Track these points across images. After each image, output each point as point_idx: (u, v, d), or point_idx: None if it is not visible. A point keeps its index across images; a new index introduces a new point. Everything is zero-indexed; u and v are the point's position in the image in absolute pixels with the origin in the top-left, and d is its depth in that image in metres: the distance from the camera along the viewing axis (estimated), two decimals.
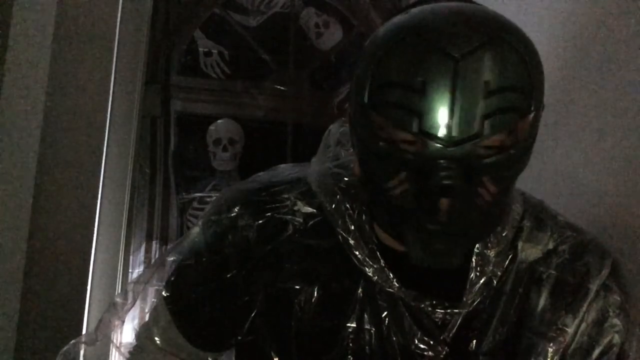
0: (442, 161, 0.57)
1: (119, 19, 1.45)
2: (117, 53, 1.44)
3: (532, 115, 0.60)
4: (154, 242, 1.72)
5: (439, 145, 0.57)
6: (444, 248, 0.61)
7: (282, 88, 1.88)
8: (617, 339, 0.68)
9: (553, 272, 0.70)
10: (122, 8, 1.47)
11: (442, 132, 0.57)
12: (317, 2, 1.93)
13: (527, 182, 0.76)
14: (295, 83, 1.89)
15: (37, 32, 1.31)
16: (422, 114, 0.57)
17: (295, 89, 1.89)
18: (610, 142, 1.02)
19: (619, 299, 0.70)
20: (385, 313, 0.68)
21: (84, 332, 1.33)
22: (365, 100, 0.61)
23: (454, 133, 0.57)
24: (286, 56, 1.90)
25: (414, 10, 0.62)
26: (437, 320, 0.68)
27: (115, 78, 1.44)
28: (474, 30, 0.58)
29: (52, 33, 1.32)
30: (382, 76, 0.60)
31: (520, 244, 0.71)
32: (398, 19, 0.62)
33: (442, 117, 0.56)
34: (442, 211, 0.58)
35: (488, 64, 0.56)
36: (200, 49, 1.84)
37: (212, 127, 1.84)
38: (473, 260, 0.68)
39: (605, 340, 0.68)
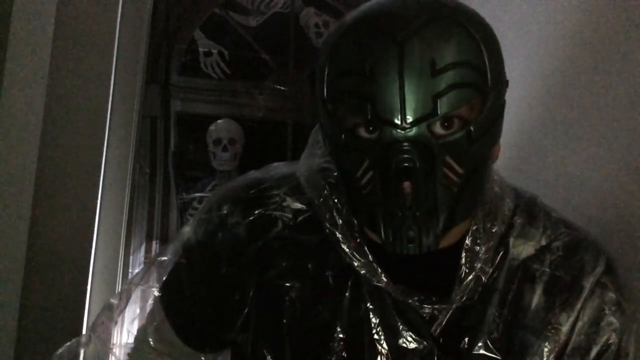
0: (399, 144, 0.58)
1: (119, 19, 1.45)
2: (117, 53, 1.44)
3: (489, 90, 0.60)
4: (154, 242, 1.72)
5: (394, 128, 0.58)
6: (414, 233, 0.61)
7: (282, 88, 1.88)
8: (614, 337, 0.68)
9: (547, 269, 0.70)
10: (122, 8, 1.47)
11: (395, 115, 0.57)
12: (317, 2, 1.93)
13: (527, 182, 0.76)
14: (295, 83, 1.89)
15: (37, 32, 1.31)
16: (374, 99, 0.57)
17: (295, 89, 1.89)
18: (611, 142, 1.02)
19: (614, 296, 0.69)
20: (372, 308, 0.68)
21: (84, 332, 1.33)
22: (324, 93, 0.62)
23: (407, 115, 0.57)
24: (286, 56, 1.90)
25: (363, 5, 0.64)
26: (425, 315, 0.67)
27: (115, 78, 1.44)
28: (415, 11, 0.59)
29: (52, 33, 1.32)
30: (335, 67, 0.61)
31: (511, 240, 0.70)
32: (350, 12, 0.64)
33: (393, 100, 0.57)
34: (406, 194, 0.59)
35: (432, 43, 0.57)
36: (200, 49, 1.84)
37: (212, 127, 1.84)
38: (462, 256, 0.68)
39: (603, 339, 0.68)
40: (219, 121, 1.85)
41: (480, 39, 0.59)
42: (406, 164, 0.57)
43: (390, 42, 0.57)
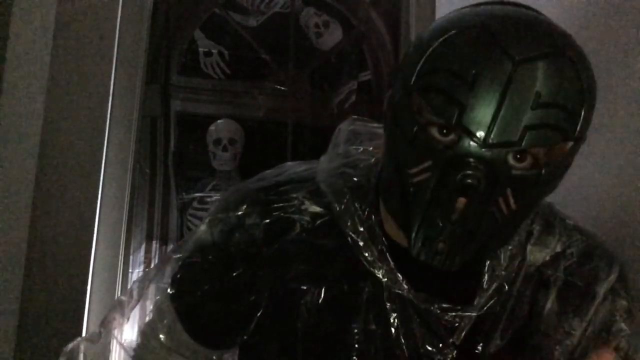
0: (472, 160, 0.56)
1: (119, 19, 1.45)
2: (117, 53, 1.44)
3: (573, 142, 0.59)
4: (154, 242, 1.72)
5: (473, 143, 0.56)
6: (445, 247, 0.60)
7: (282, 88, 1.88)
8: (623, 343, 0.68)
9: (561, 275, 0.70)
10: (122, 8, 1.47)
11: (480, 130, 0.55)
12: (317, 2, 1.92)
13: None
14: (295, 83, 1.89)
15: (37, 32, 1.31)
16: (465, 107, 0.55)
17: (295, 89, 1.89)
18: (610, 142, 1.02)
19: (626, 303, 0.70)
20: (395, 315, 0.67)
21: (84, 332, 1.33)
22: (412, 81, 0.60)
23: (492, 135, 0.55)
24: (286, 56, 1.90)
25: (483, 6, 0.61)
26: (446, 323, 0.67)
27: (115, 78, 1.44)
28: (540, 39, 0.56)
29: (52, 33, 1.32)
30: (435, 61, 0.58)
31: (528, 247, 0.71)
32: (465, 10, 0.61)
33: (484, 116, 0.55)
34: (457, 210, 0.58)
35: (545, 76, 0.55)
36: (200, 49, 1.84)
37: (212, 127, 1.84)
38: (486, 264, 0.68)
39: (612, 345, 0.68)
40: (219, 121, 1.84)
41: (586, 90, 0.57)
42: (471, 181, 0.56)
43: (506, 60, 0.55)
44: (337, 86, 1.91)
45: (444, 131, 0.58)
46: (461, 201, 0.57)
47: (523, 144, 0.55)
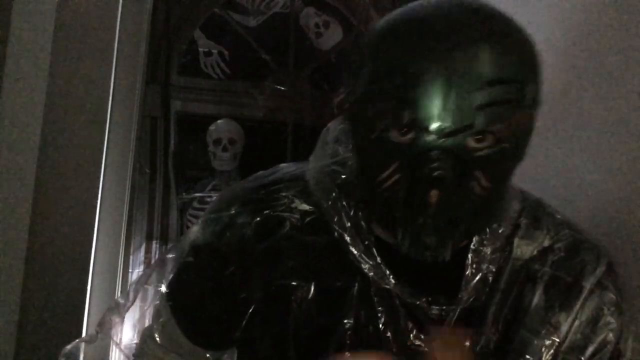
0: (433, 152, 0.57)
1: (119, 19, 1.45)
2: (117, 53, 1.44)
3: (527, 109, 0.60)
4: (154, 242, 1.72)
5: (430, 136, 0.57)
6: (433, 241, 0.61)
7: (282, 88, 1.88)
8: (611, 337, 0.68)
9: (548, 269, 0.70)
10: (122, 8, 1.47)
11: (434, 122, 0.57)
12: (317, 2, 1.93)
13: (528, 181, 0.76)
14: (295, 83, 1.89)
15: (37, 32, 1.31)
16: (414, 104, 0.57)
17: (295, 89, 1.89)
18: (610, 141, 1.02)
19: (614, 297, 0.70)
20: (381, 309, 0.68)
21: (84, 332, 1.33)
22: (361, 91, 0.61)
23: (446, 124, 0.56)
24: (286, 56, 1.90)
25: (412, 3, 0.63)
26: (432, 316, 0.68)
27: (115, 78, 1.44)
28: (470, 22, 0.58)
29: (52, 33, 1.32)
30: (378, 66, 0.60)
31: (516, 241, 0.71)
32: (395, 11, 0.63)
33: (434, 108, 0.56)
34: (432, 203, 0.58)
35: (483, 56, 0.56)
36: (200, 49, 1.84)
37: (212, 127, 1.84)
38: (469, 257, 0.68)
39: (599, 338, 0.68)
40: (219, 121, 1.85)
41: (526, 59, 0.59)
42: (437, 173, 0.57)
43: (441, 50, 0.56)
44: (337, 86, 1.91)
45: (404, 131, 0.59)
46: (433, 194, 0.58)
47: (477, 124, 0.57)
